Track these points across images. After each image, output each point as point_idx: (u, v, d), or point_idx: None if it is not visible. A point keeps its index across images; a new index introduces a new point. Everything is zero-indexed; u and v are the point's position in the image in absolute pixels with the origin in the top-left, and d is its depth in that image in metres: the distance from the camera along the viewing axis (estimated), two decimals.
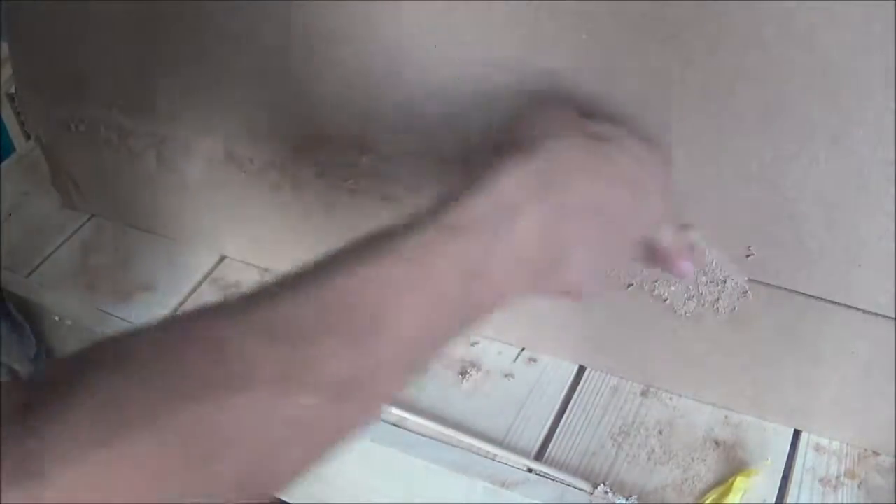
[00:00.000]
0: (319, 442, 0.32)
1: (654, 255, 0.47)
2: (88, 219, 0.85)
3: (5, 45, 0.79)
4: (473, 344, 0.69)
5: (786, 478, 0.58)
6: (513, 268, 0.37)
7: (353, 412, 0.33)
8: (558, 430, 0.62)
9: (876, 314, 0.52)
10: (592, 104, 0.48)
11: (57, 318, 0.74)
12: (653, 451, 0.60)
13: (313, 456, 0.32)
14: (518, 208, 0.37)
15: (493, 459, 0.60)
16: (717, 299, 0.55)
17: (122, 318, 0.75)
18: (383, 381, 0.34)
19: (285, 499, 0.75)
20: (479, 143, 0.50)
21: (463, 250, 0.35)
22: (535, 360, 0.67)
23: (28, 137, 0.88)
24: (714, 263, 0.53)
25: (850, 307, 0.52)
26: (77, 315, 0.74)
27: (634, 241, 0.45)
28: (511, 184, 0.38)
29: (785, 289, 0.53)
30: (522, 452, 0.60)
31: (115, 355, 0.30)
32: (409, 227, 0.36)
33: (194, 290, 0.77)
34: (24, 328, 0.71)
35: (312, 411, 0.31)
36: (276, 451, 0.31)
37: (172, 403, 0.28)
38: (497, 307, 0.38)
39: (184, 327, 0.32)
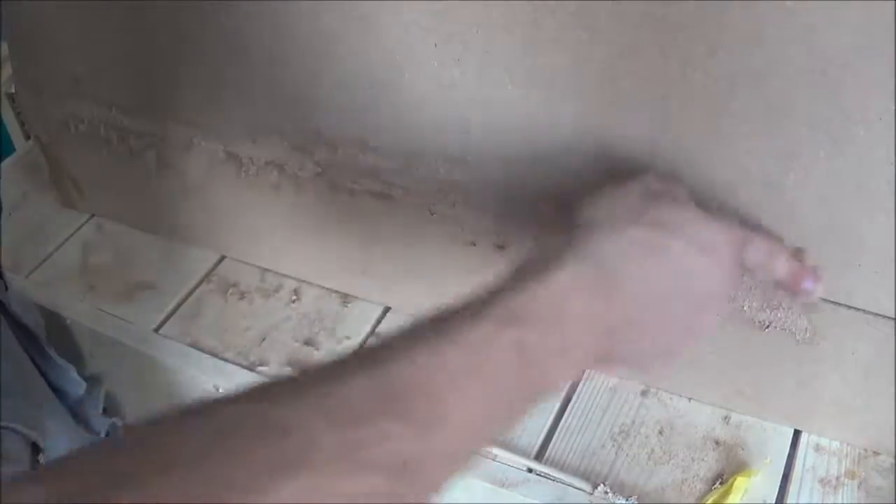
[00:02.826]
0: None
1: (776, 286, 0.49)
2: (88, 219, 0.85)
3: (5, 45, 0.79)
4: None
5: (786, 478, 0.58)
6: (565, 360, 0.39)
7: (408, 495, 0.33)
8: (558, 430, 0.62)
9: (876, 314, 0.52)
10: (664, 179, 0.49)
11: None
12: (653, 451, 0.60)
13: None
14: (573, 305, 0.39)
15: (493, 459, 0.60)
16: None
17: (122, 318, 0.75)
18: (438, 465, 0.34)
19: None
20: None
21: (519, 342, 0.36)
22: None
23: (28, 137, 0.88)
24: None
25: (850, 307, 0.52)
26: (77, 315, 0.74)
27: (701, 322, 0.46)
28: (568, 280, 0.39)
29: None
30: (522, 452, 0.60)
31: (166, 453, 0.29)
32: (466, 314, 0.37)
33: (194, 289, 0.77)
34: (67, 371, 0.70)
35: (369, 492, 0.31)
36: None
37: (227, 490, 0.28)
38: (554, 389, 0.40)
39: (237, 409, 0.32)
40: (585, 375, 0.65)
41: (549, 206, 0.57)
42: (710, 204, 0.51)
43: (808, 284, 0.47)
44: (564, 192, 0.52)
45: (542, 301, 0.38)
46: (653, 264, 0.42)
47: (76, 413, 0.69)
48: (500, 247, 0.61)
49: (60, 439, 0.62)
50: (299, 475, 0.29)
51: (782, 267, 0.47)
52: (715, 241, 0.44)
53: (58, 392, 0.68)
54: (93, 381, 0.73)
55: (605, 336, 0.41)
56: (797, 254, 0.48)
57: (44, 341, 0.67)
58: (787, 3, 0.42)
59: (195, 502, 0.27)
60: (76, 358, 0.74)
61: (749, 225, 0.50)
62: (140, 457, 0.29)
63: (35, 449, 0.59)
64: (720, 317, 0.56)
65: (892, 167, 0.45)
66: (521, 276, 0.39)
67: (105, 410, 0.73)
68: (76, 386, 0.69)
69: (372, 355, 0.35)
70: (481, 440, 0.38)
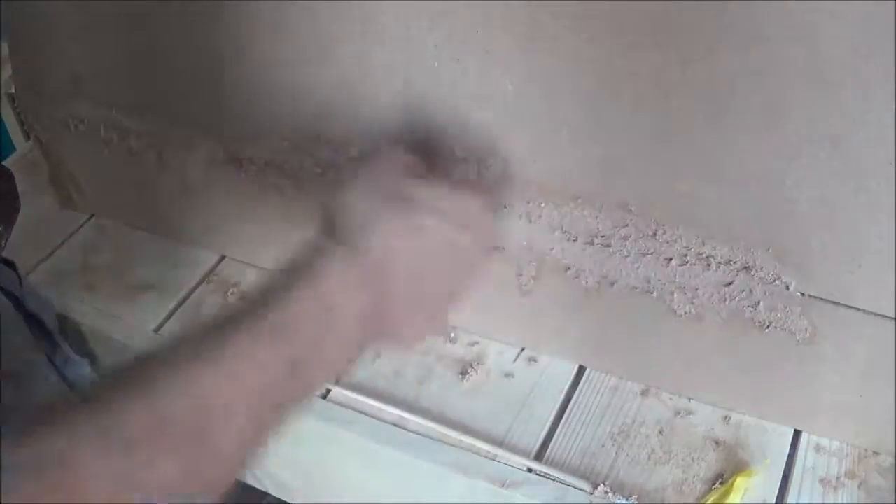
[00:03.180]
0: None
1: None
2: (88, 219, 0.85)
3: (5, 45, 0.79)
4: (473, 344, 0.69)
5: (786, 478, 0.58)
6: (337, 353, 0.41)
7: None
8: (558, 430, 0.62)
9: (876, 314, 0.52)
10: (414, 149, 0.52)
11: None
12: (653, 451, 0.60)
13: None
14: (341, 306, 0.41)
15: (493, 459, 0.60)
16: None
17: (122, 318, 0.75)
18: (214, 477, 0.36)
19: (286, 499, 0.75)
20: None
21: (292, 357, 0.38)
22: (535, 360, 0.67)
23: (28, 137, 0.88)
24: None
25: (850, 307, 0.52)
26: (77, 315, 0.74)
27: (457, 292, 0.49)
28: (334, 282, 0.41)
29: (785, 289, 0.53)
30: (522, 452, 0.60)
31: None
32: (236, 328, 0.38)
33: (194, 289, 0.77)
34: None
35: None
36: None
37: None
38: (336, 377, 0.44)
39: (29, 440, 0.33)
40: (586, 375, 0.65)
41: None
42: (456, 168, 0.55)
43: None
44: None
45: (311, 310, 0.40)
46: (414, 248, 0.45)
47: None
48: (499, 247, 0.61)
49: None
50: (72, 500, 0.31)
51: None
52: (466, 210, 0.47)
53: (72, 387, 0.68)
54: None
55: (376, 323, 0.43)
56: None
57: (57, 336, 0.67)
58: (787, 3, 0.42)
59: None
60: (90, 356, 0.74)
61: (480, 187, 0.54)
62: None
63: None
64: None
65: (892, 167, 0.45)
66: (294, 280, 0.41)
67: None
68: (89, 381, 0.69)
69: (146, 380, 0.35)
70: (256, 442, 0.39)
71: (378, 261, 0.43)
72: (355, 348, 0.44)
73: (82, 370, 0.69)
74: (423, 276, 0.46)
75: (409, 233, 0.45)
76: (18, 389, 0.60)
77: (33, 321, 0.65)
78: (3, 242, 0.67)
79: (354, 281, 0.42)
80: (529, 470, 0.59)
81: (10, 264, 0.66)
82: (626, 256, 0.57)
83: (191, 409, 0.35)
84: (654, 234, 0.55)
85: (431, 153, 0.53)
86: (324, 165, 0.65)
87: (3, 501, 0.30)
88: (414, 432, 0.62)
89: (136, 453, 0.33)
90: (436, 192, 0.47)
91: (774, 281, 0.53)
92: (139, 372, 0.36)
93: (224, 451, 0.37)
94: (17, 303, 0.64)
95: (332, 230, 0.45)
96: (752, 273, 0.54)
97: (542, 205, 0.57)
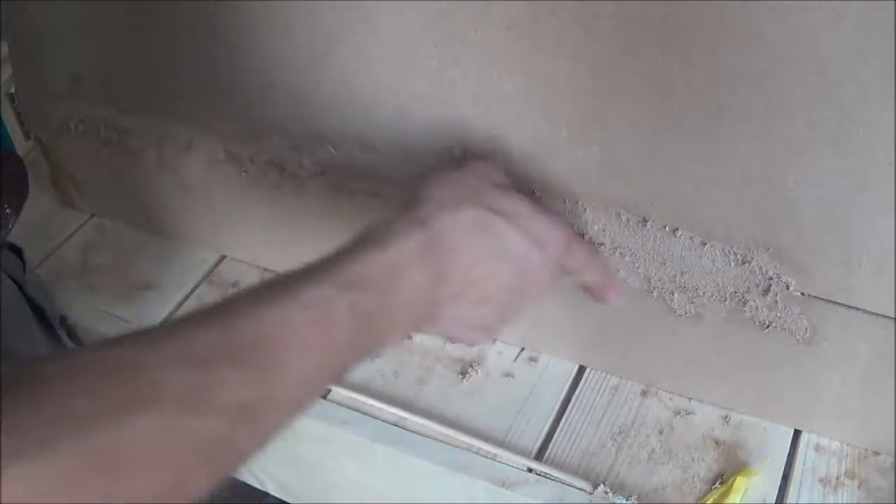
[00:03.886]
0: (222, 462, 0.36)
1: (584, 288, 0.55)
2: (88, 219, 0.85)
3: (5, 45, 0.79)
4: (473, 344, 0.69)
5: (786, 478, 0.58)
6: (398, 319, 0.43)
7: (251, 437, 0.36)
8: (558, 430, 0.62)
9: (876, 314, 0.52)
10: (517, 178, 0.53)
11: None
12: (653, 451, 0.60)
13: (217, 476, 0.35)
14: (405, 272, 0.43)
15: (493, 459, 0.60)
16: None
17: (121, 318, 0.75)
18: (278, 409, 0.38)
19: (286, 499, 0.75)
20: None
21: (353, 303, 0.40)
22: (535, 360, 0.67)
23: (28, 137, 0.88)
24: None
25: (850, 307, 0.52)
26: (77, 315, 0.74)
27: (518, 306, 0.50)
28: (401, 249, 0.43)
29: (785, 289, 0.53)
30: (522, 452, 0.60)
31: (24, 381, 0.32)
32: (310, 277, 0.40)
33: (194, 289, 0.77)
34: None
35: (215, 432, 0.34)
36: (185, 469, 0.33)
37: (82, 423, 0.30)
38: (380, 349, 0.44)
39: (96, 353, 0.35)
40: (586, 375, 0.65)
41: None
42: (544, 202, 0.56)
43: (611, 297, 0.54)
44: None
45: (378, 269, 0.42)
46: (484, 244, 0.46)
47: None
48: None
49: None
50: (150, 411, 0.32)
51: (595, 277, 0.54)
52: (544, 235, 0.48)
53: None
54: None
55: (432, 305, 0.45)
56: (607, 264, 0.55)
57: (57, 327, 0.67)
58: (787, 3, 0.42)
59: (53, 436, 0.30)
60: None
61: (574, 230, 0.55)
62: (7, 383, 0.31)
63: None
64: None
65: (892, 167, 0.45)
66: (363, 244, 0.43)
67: None
68: None
69: (220, 310, 0.38)
70: (315, 391, 0.41)
71: (444, 242, 0.44)
72: (415, 318, 0.45)
73: None
74: (484, 276, 0.46)
75: (485, 231, 0.46)
76: None
77: (35, 310, 0.65)
78: (11, 225, 0.67)
79: (419, 252, 0.44)
80: (529, 470, 0.59)
81: (16, 250, 0.66)
82: (626, 256, 0.57)
83: (263, 336, 0.37)
84: (655, 234, 0.55)
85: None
86: (324, 165, 0.65)
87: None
88: (414, 432, 0.62)
89: (206, 371, 0.34)
90: (520, 207, 0.48)
91: (774, 281, 0.53)
92: (215, 306, 0.38)
93: (292, 382, 0.38)
94: (20, 289, 0.64)
95: (410, 210, 0.46)
96: (752, 273, 0.54)
97: (543, 204, 0.57)
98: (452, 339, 0.51)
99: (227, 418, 0.34)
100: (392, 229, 0.44)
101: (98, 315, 0.74)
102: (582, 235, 0.57)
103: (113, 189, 0.81)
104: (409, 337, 0.46)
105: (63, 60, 0.72)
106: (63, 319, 0.70)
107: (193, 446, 0.33)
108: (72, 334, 0.70)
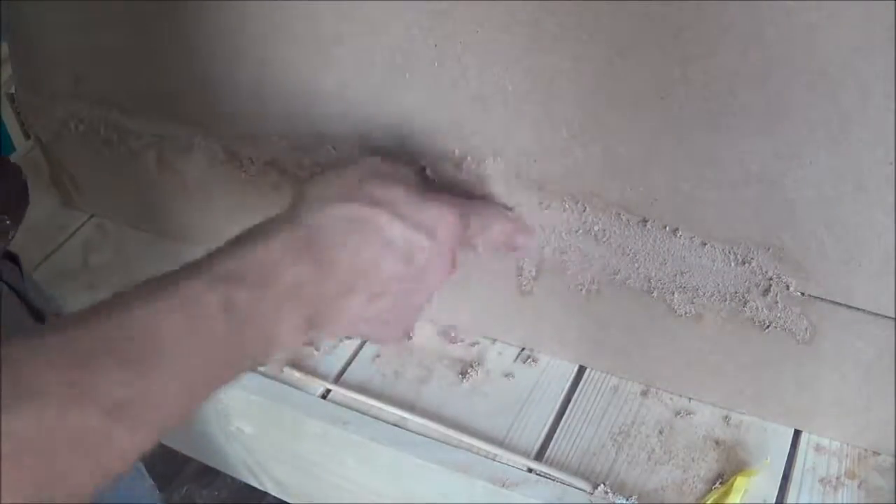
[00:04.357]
0: (103, 461, 0.36)
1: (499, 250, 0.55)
2: (88, 219, 0.85)
3: (5, 45, 0.79)
4: (473, 344, 0.69)
5: (786, 478, 0.58)
6: (281, 316, 0.43)
7: (130, 434, 0.37)
8: (558, 430, 0.62)
9: (876, 314, 0.52)
10: (393, 161, 0.53)
11: None
12: (653, 451, 0.60)
13: (99, 475, 0.36)
14: (279, 267, 0.43)
15: (493, 459, 0.60)
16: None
17: None
18: (157, 407, 0.38)
19: (286, 499, 0.75)
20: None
21: (226, 298, 0.40)
22: (535, 360, 0.67)
23: (28, 137, 0.88)
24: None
25: (850, 307, 0.52)
26: None
27: (415, 299, 0.50)
28: (277, 247, 0.43)
29: (785, 289, 0.53)
30: (522, 452, 0.60)
31: None
32: (181, 273, 0.41)
33: None
34: None
35: (94, 427, 0.35)
36: (67, 463, 0.34)
37: None
38: (272, 350, 0.43)
39: None
40: (586, 375, 0.65)
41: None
42: (434, 183, 0.56)
43: (521, 241, 0.54)
44: None
45: (251, 264, 0.42)
46: (361, 238, 0.46)
47: None
48: None
49: None
50: (27, 407, 0.33)
51: (497, 235, 0.53)
52: (429, 221, 0.48)
53: None
54: None
55: (320, 301, 0.44)
56: (506, 215, 0.55)
57: None
58: (787, 3, 0.42)
59: None
60: None
61: (470, 200, 0.54)
62: None
63: None
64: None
65: (892, 167, 0.45)
66: (236, 242, 0.44)
67: None
68: None
69: (103, 307, 0.39)
70: (198, 389, 0.40)
71: (319, 237, 0.45)
72: (305, 316, 0.44)
73: None
74: (369, 268, 0.46)
75: (360, 224, 0.46)
76: None
77: (36, 316, 0.65)
78: (11, 236, 0.67)
79: (294, 247, 0.44)
80: (529, 470, 0.59)
81: (13, 258, 0.66)
82: (626, 256, 0.57)
83: (137, 333, 0.38)
84: (655, 234, 0.55)
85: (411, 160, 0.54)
86: (324, 165, 0.65)
87: None
88: (414, 432, 0.62)
89: (83, 368, 0.35)
90: (399, 194, 0.48)
91: (774, 281, 0.53)
92: (96, 305, 0.39)
93: (168, 379, 0.38)
94: (20, 297, 0.64)
95: (288, 209, 0.47)
96: (752, 273, 0.54)
97: (542, 204, 0.57)
98: (364, 338, 0.50)
99: (103, 414, 0.35)
100: (266, 227, 0.45)
101: None
102: (476, 197, 0.56)
103: (113, 189, 0.81)
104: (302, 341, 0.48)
105: (63, 60, 0.72)
106: None
107: (70, 443, 0.34)
108: None
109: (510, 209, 0.54)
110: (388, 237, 0.47)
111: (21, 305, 0.63)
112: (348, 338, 0.55)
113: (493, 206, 0.56)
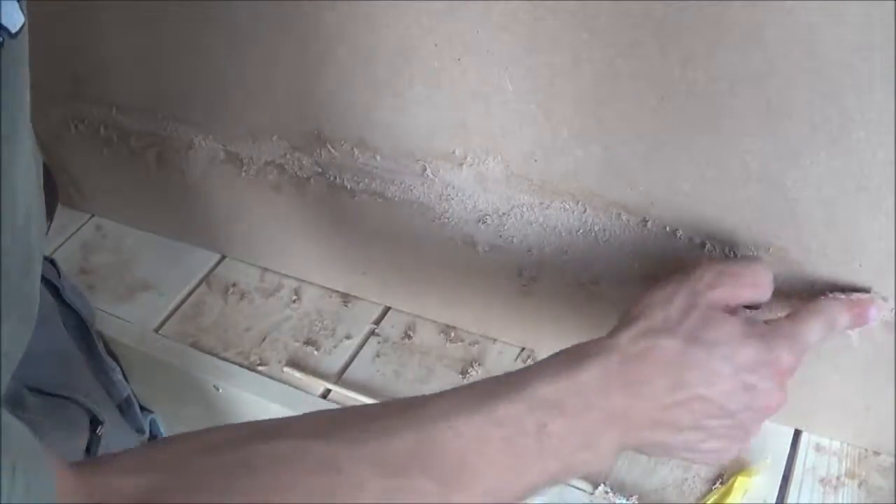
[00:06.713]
0: None
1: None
2: (88, 219, 0.85)
3: None
4: (473, 344, 0.69)
5: (786, 478, 0.58)
6: (590, 444, 0.43)
7: None
8: None
9: None
10: (719, 273, 0.48)
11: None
12: None
13: None
14: (594, 398, 0.43)
15: None
16: None
17: (122, 318, 0.75)
18: None
19: None
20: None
21: (542, 424, 0.41)
22: (534, 360, 0.67)
23: None
24: None
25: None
26: None
27: (736, 433, 0.47)
28: (593, 375, 0.43)
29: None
30: None
31: (232, 478, 0.36)
32: (501, 393, 0.42)
33: (194, 290, 0.77)
34: (114, 372, 0.67)
35: None
36: None
37: None
38: (579, 472, 0.44)
39: (303, 445, 0.38)
40: None
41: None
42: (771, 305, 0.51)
43: (872, 313, 0.50)
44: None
45: (568, 393, 0.42)
46: (679, 375, 0.44)
47: (118, 405, 0.67)
48: (499, 247, 0.61)
49: (111, 430, 0.61)
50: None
51: (845, 322, 0.50)
52: (753, 362, 0.45)
53: (105, 387, 0.67)
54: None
55: (633, 430, 0.44)
56: (838, 297, 0.50)
57: (94, 334, 0.66)
58: (787, 3, 0.42)
59: None
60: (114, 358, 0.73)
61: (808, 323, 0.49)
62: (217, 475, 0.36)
63: (93, 422, 0.59)
64: None
65: (892, 167, 0.45)
66: (556, 365, 0.44)
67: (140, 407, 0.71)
68: (121, 387, 0.67)
69: (417, 413, 0.40)
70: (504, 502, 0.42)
71: (637, 371, 0.44)
72: (607, 447, 0.44)
73: (114, 375, 0.67)
74: (682, 406, 0.44)
75: (676, 362, 0.44)
76: (63, 367, 0.60)
77: (72, 315, 0.64)
78: (46, 232, 0.66)
79: (610, 379, 0.43)
80: None
81: (49, 258, 0.65)
82: (627, 256, 0.57)
83: (457, 449, 0.39)
84: (655, 234, 0.55)
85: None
86: (324, 165, 0.65)
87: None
88: None
89: (401, 476, 0.38)
90: (724, 334, 0.45)
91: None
92: (407, 404, 0.41)
93: (475, 494, 0.40)
94: (56, 293, 0.63)
95: (613, 333, 0.46)
96: None
97: (543, 204, 0.57)
98: (670, 457, 0.51)
99: None
100: (588, 353, 0.44)
101: (98, 315, 0.74)
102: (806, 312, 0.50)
103: (113, 189, 0.81)
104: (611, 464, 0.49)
105: (63, 60, 0.72)
106: (99, 334, 0.69)
107: None
108: (109, 351, 0.69)
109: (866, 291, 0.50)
110: (709, 381, 0.44)
111: (53, 304, 0.62)
112: None
113: (827, 304, 0.50)
